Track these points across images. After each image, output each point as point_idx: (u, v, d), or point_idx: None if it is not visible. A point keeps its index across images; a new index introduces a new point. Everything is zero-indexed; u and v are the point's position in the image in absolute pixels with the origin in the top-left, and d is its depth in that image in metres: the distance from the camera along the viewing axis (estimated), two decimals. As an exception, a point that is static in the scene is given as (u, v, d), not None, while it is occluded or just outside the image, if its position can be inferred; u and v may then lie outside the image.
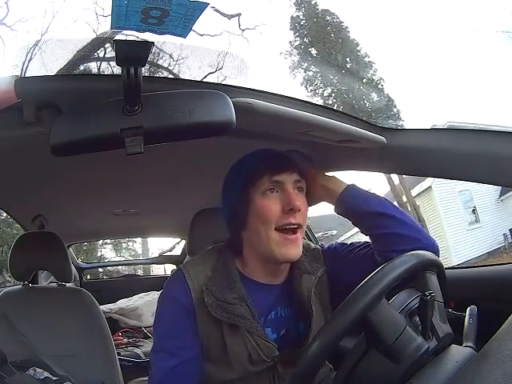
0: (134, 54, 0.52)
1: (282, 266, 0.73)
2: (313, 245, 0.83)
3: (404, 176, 8.13)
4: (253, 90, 0.73)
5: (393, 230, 0.71)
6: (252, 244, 0.72)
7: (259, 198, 0.69)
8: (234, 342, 0.68)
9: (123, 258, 9.64)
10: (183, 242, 2.58)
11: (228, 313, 0.67)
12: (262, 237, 0.68)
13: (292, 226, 0.68)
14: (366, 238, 0.78)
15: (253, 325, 0.67)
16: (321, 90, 9.20)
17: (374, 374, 0.50)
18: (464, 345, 0.55)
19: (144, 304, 2.15)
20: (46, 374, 1.02)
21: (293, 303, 0.73)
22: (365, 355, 0.49)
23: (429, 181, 8.93)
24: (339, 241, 0.96)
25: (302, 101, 0.79)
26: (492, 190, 9.29)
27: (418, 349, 0.49)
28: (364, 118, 0.86)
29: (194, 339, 0.69)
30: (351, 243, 0.81)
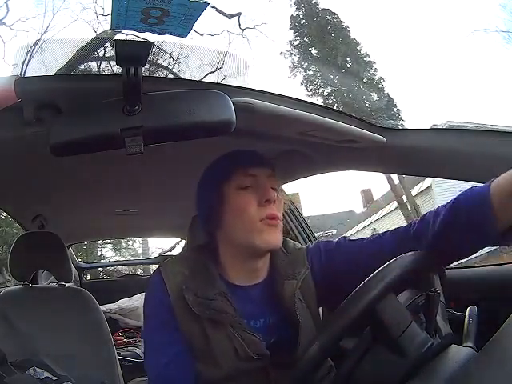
0: (134, 54, 0.52)
1: (260, 262, 0.72)
2: (299, 245, 0.82)
3: (404, 175, 8.13)
4: (253, 89, 0.73)
5: None
6: (229, 242, 0.72)
7: (234, 194, 0.69)
8: (218, 338, 0.67)
9: (123, 258, 9.63)
10: (183, 241, 2.58)
11: (209, 309, 0.66)
12: (241, 231, 0.68)
13: (270, 217, 0.68)
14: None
15: (235, 319, 0.67)
16: (321, 89, 9.21)
17: (380, 367, 0.51)
18: (464, 345, 0.55)
19: (144, 304, 2.15)
20: (46, 374, 1.02)
21: (278, 311, 0.72)
22: (371, 349, 0.49)
23: (429, 180, 8.93)
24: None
25: (302, 101, 0.79)
26: (492, 190, 9.28)
27: (423, 343, 0.49)
28: (364, 118, 0.86)
29: (178, 334, 0.69)
30: (343, 240, 0.78)
